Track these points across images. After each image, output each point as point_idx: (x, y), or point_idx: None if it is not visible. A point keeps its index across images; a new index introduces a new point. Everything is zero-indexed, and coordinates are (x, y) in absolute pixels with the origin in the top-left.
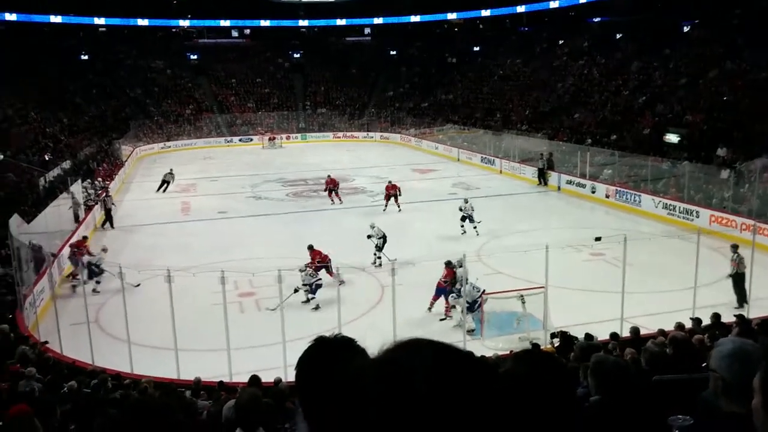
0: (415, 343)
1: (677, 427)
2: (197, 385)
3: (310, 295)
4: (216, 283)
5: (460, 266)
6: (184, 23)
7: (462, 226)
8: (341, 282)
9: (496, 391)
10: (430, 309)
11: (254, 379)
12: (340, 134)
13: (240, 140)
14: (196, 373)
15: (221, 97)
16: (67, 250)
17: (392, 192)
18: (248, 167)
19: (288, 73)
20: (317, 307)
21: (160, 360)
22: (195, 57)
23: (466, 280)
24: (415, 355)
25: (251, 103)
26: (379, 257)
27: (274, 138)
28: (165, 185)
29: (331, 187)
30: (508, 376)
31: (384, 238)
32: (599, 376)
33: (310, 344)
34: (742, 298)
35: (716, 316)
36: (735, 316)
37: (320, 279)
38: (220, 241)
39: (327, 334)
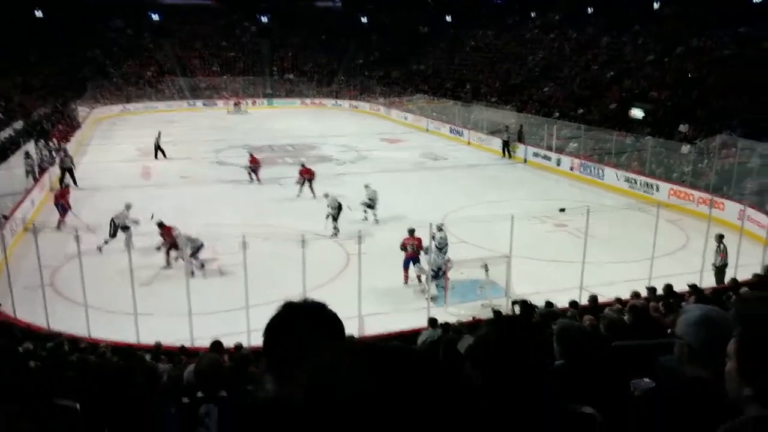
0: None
1: (640, 389)
2: (158, 350)
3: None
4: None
5: (440, 230)
6: None
7: (365, 212)
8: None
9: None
10: (406, 281)
11: (216, 344)
12: (308, 101)
13: (204, 104)
14: (156, 338)
15: (185, 60)
16: (20, 212)
17: (307, 176)
18: (212, 132)
19: (255, 37)
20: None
21: (120, 325)
22: (157, 17)
23: (434, 246)
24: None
25: (216, 67)
26: (335, 227)
27: (240, 103)
28: (159, 150)
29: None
30: (483, 341)
31: (339, 207)
32: (564, 342)
33: (278, 308)
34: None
35: (669, 287)
36: (688, 285)
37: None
38: (183, 206)
39: (294, 300)
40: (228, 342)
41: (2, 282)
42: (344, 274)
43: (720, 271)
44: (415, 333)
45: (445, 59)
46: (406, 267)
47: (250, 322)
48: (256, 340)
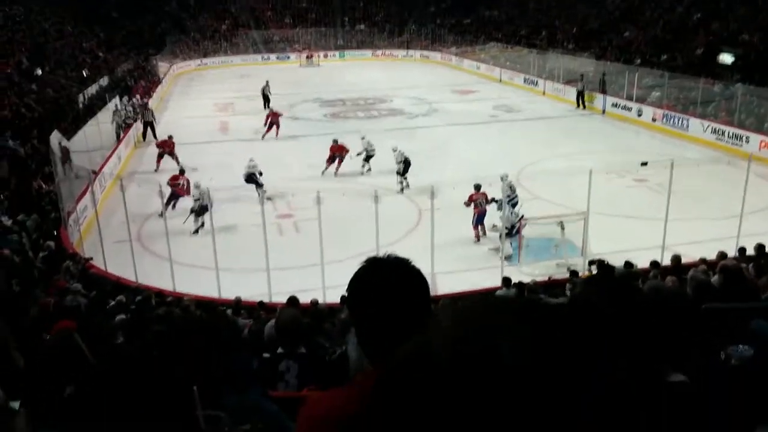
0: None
1: (737, 357)
2: (237, 305)
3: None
4: (255, 203)
5: (504, 181)
6: None
7: (362, 166)
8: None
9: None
10: (478, 240)
11: (292, 300)
12: (379, 52)
13: (277, 58)
14: (236, 293)
15: (258, 12)
16: (108, 167)
17: (338, 153)
18: (286, 86)
19: None
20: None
21: (202, 279)
22: None
23: (506, 202)
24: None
25: (288, 18)
26: (401, 182)
27: (312, 56)
28: (267, 101)
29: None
30: (581, 301)
31: (406, 161)
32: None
33: (363, 264)
34: None
35: (761, 247)
36: None
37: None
38: (259, 162)
39: (377, 255)
40: (304, 298)
41: (94, 236)
42: (416, 230)
43: None
44: (488, 292)
45: (519, 4)
46: (476, 224)
47: (325, 278)
48: (331, 296)
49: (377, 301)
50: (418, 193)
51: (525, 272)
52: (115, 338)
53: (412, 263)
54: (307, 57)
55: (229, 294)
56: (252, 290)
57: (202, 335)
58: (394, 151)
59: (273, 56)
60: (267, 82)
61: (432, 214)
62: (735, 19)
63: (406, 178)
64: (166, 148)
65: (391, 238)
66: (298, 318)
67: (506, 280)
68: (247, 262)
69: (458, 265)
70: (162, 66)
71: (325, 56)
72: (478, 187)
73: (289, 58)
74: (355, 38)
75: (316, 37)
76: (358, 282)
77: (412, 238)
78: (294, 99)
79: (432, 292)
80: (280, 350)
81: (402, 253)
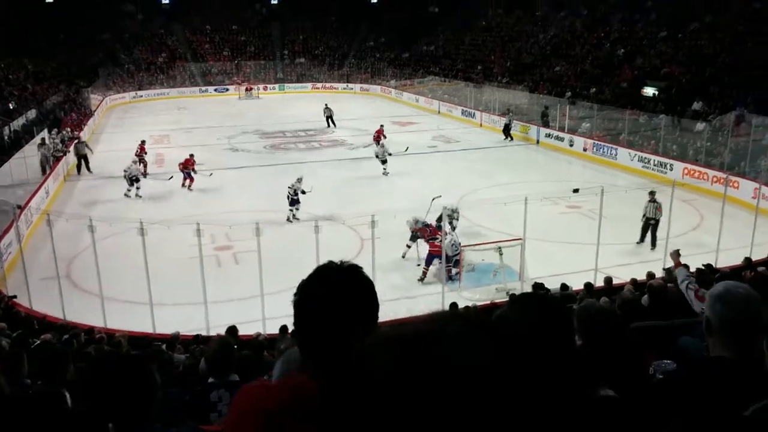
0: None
1: (661, 371)
2: (174, 339)
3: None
4: (192, 235)
5: (451, 214)
6: None
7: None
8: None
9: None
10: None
11: (231, 330)
12: (319, 85)
13: (215, 90)
14: (173, 327)
15: (196, 45)
16: (35, 201)
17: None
18: (224, 118)
19: (266, 20)
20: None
21: (135, 315)
22: (167, 1)
23: (446, 232)
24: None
25: (227, 51)
26: (290, 211)
27: (251, 88)
28: (330, 120)
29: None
30: (504, 320)
31: (296, 194)
32: (583, 322)
33: (315, 269)
34: (653, 241)
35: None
36: (703, 265)
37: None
38: (196, 194)
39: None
40: (244, 330)
41: (19, 273)
42: (357, 259)
43: (655, 225)
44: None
45: (456, 40)
46: (428, 263)
47: (265, 309)
48: (271, 327)
49: (322, 302)
50: (359, 222)
51: (466, 297)
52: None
53: (362, 270)
54: (247, 89)
55: (166, 329)
56: (190, 324)
57: (125, 370)
58: (300, 181)
59: (211, 89)
60: (326, 104)
61: (373, 243)
62: (657, 54)
63: (294, 208)
64: (189, 166)
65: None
66: (228, 345)
67: (453, 306)
68: (183, 295)
69: (400, 293)
70: (94, 98)
71: (265, 89)
72: (418, 222)
73: (227, 90)
74: (295, 71)
75: (255, 70)
76: (307, 284)
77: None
78: (233, 131)
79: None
80: (211, 380)
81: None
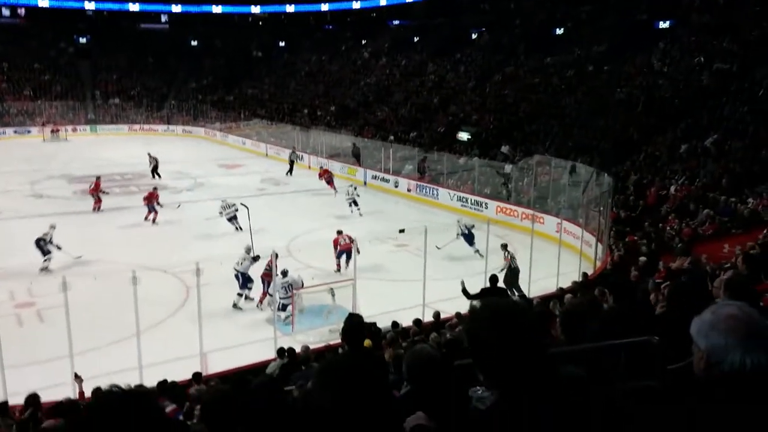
0: None
1: (477, 398)
2: None
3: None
4: None
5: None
6: None
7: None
8: None
9: None
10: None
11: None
12: (137, 127)
13: (15, 132)
14: None
15: None
16: None
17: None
18: (26, 162)
19: (73, 58)
20: None
21: None
22: None
23: (276, 273)
24: None
25: (28, 91)
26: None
27: (58, 130)
28: (155, 172)
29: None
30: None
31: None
32: (413, 368)
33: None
34: (518, 290)
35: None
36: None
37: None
38: None
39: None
40: (50, 396)
41: None
42: (183, 308)
43: (511, 276)
44: (264, 365)
45: (280, 84)
46: (339, 256)
47: (74, 371)
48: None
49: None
50: (185, 269)
51: (299, 340)
52: None
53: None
54: (52, 131)
55: None
56: None
57: None
58: (47, 235)
59: (10, 130)
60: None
61: (198, 292)
62: (468, 102)
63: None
64: (154, 199)
65: (157, 318)
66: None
67: (281, 351)
68: None
69: (230, 341)
70: None
71: (74, 130)
72: (339, 232)
73: (30, 132)
74: (109, 112)
75: (62, 111)
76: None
77: (178, 318)
78: (37, 176)
79: (204, 372)
80: None
81: (167, 333)
